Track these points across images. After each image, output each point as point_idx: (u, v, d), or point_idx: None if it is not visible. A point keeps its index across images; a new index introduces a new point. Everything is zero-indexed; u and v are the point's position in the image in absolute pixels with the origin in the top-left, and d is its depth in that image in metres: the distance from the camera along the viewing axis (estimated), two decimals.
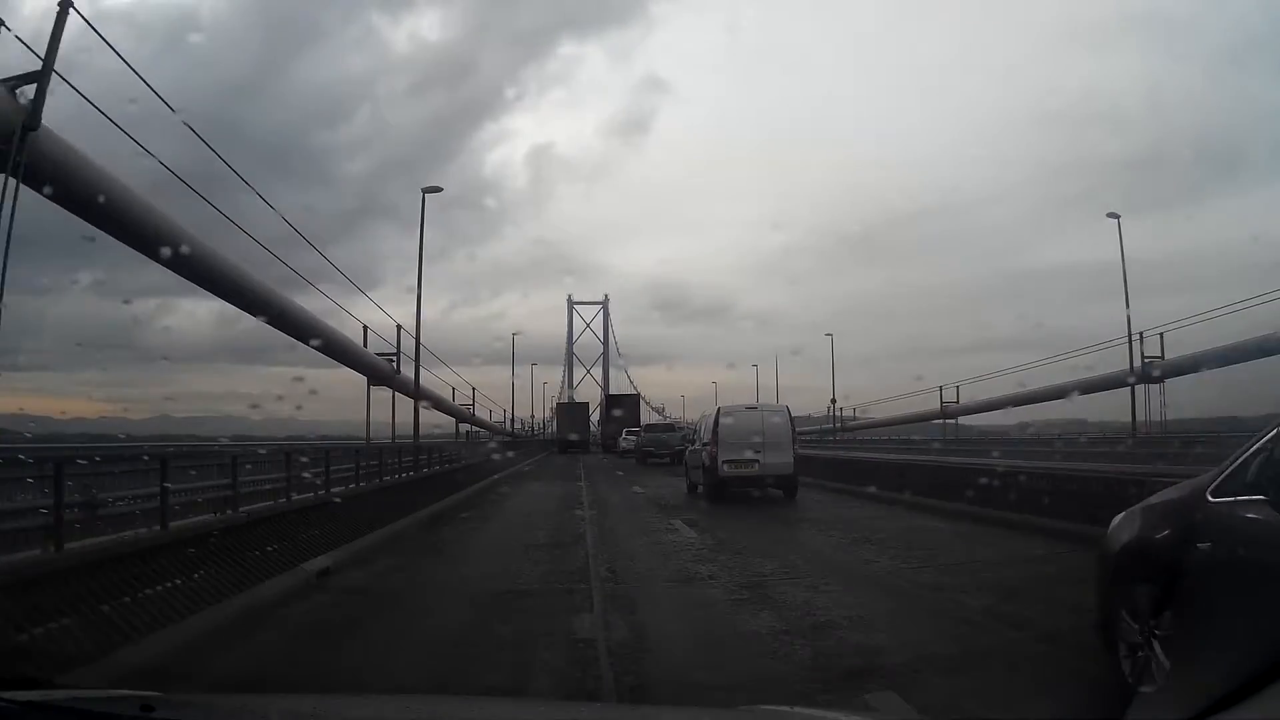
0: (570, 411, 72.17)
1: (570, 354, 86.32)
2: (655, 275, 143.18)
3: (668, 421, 51.03)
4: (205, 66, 79.90)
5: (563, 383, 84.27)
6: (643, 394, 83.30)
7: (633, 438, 48.88)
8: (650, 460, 38.40)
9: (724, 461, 18.42)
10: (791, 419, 19.37)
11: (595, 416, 76.39)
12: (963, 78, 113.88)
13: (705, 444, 19.25)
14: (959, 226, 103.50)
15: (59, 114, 11.75)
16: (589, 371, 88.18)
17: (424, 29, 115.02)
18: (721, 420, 18.73)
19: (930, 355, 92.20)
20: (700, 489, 20.65)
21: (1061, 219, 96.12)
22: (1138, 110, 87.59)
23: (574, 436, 65.98)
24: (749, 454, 18.43)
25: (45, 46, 11.05)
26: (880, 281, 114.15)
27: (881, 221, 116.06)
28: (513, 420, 69.85)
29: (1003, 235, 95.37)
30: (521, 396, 73.63)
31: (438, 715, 2.97)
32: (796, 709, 3.21)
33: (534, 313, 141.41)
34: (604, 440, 65.74)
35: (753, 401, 20.15)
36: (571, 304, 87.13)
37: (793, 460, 18.64)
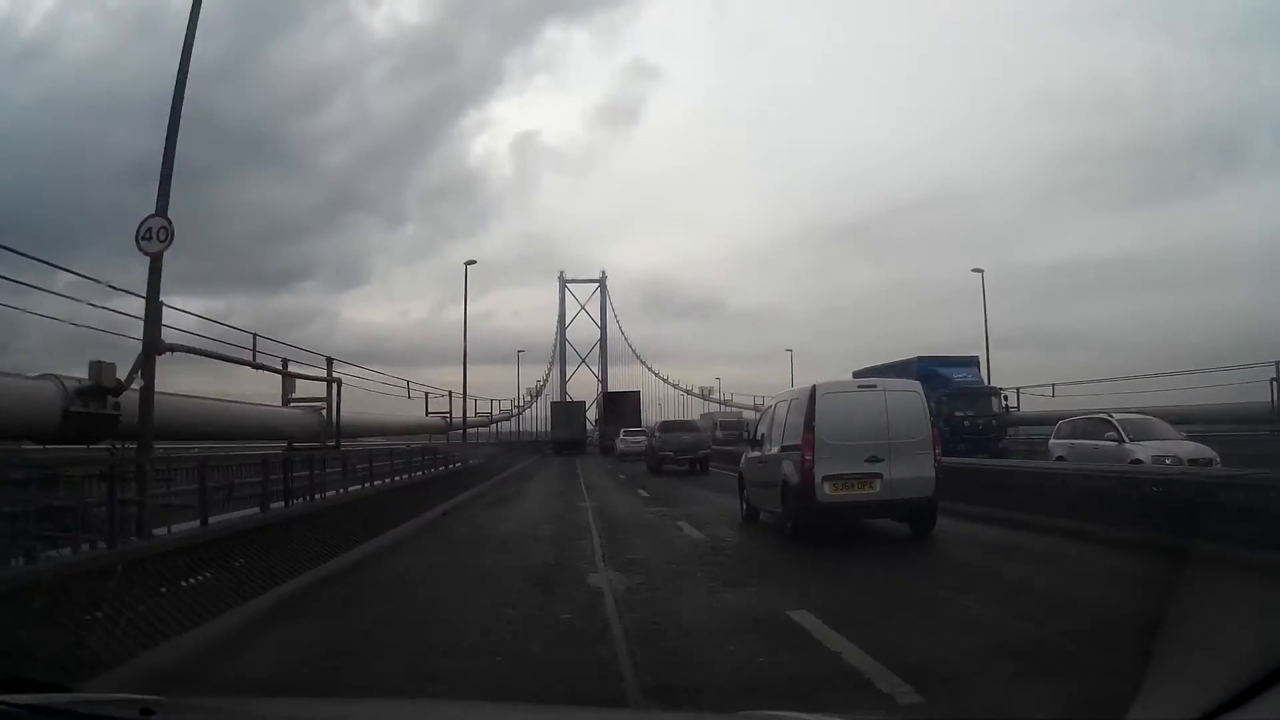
0: (565, 411, 64.76)
1: (563, 342, 77.56)
2: (647, 271, 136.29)
3: (686, 419, 43.22)
4: (177, 50, 73.06)
5: (548, 372, 75.34)
6: (673, 380, 75.86)
7: (632, 438, 43.28)
8: (666, 467, 30.72)
9: (825, 478, 10.84)
10: (927, 404, 11.77)
11: (592, 413, 69.34)
12: (960, 62, 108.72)
13: (788, 447, 11.65)
14: (955, 219, 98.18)
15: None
16: (584, 360, 79.56)
17: (403, 11, 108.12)
18: (821, 407, 11.13)
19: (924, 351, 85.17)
20: (764, 517, 13.18)
21: (1060, 211, 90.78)
22: (1138, 96, 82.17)
23: (570, 437, 59.00)
24: (866, 465, 10.89)
25: None
26: (875, 276, 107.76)
27: (876, 214, 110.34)
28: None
29: (1000, 228, 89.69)
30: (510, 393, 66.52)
31: (433, 718, 3.03)
32: (797, 714, 3.06)
33: (523, 310, 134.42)
34: (602, 442, 58.88)
35: (853, 377, 12.28)
36: (564, 282, 77.73)
37: (934, 475, 11.10)
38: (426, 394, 35.42)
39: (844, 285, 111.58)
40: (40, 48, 71.29)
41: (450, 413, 36.38)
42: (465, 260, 38.84)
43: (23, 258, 10.28)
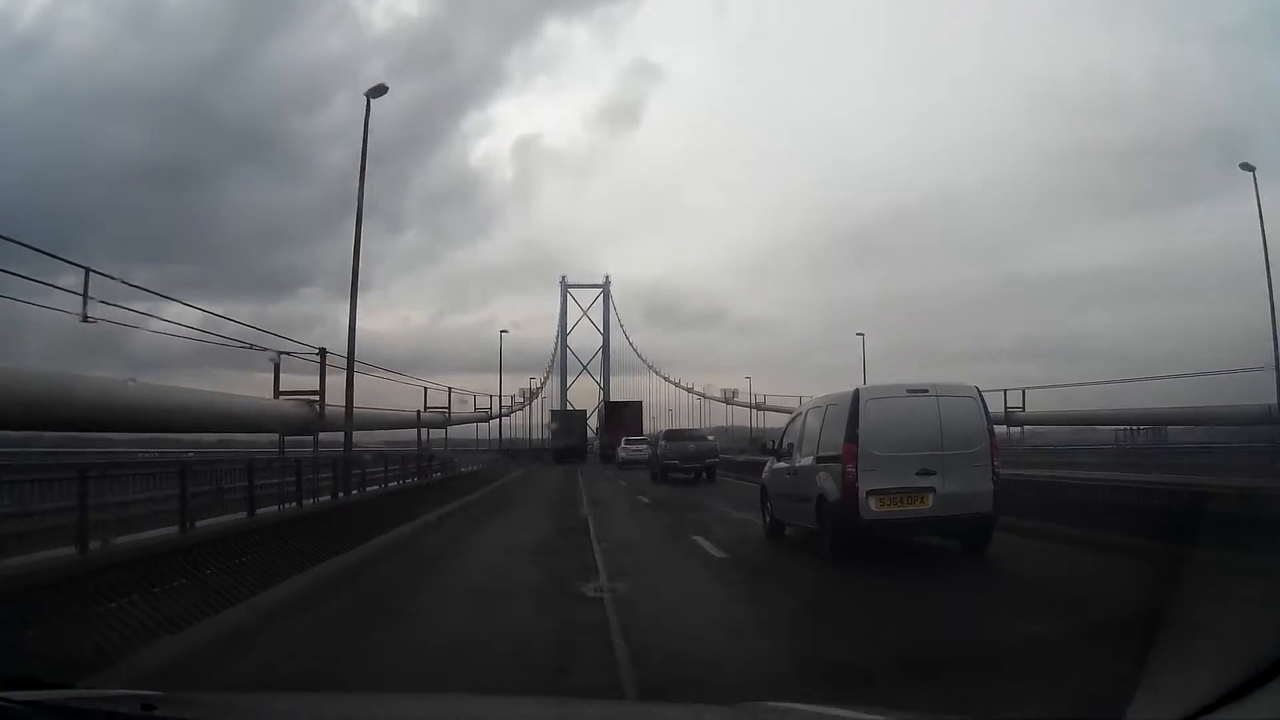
0: (566, 420, 63.53)
1: (563, 348, 75.94)
2: (649, 279, 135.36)
3: (693, 428, 42.00)
4: (174, 46, 72.14)
5: (546, 376, 73.29)
6: (690, 387, 73.59)
7: (633, 447, 43.17)
8: (671, 475, 29.63)
9: (870, 492, 9.48)
10: (986, 409, 10.39)
11: (592, 422, 67.93)
12: (961, 63, 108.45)
13: (824, 458, 10.30)
14: (954, 222, 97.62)
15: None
16: (585, 368, 77.81)
17: (401, 6, 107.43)
18: (866, 414, 9.77)
19: (935, 363, 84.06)
20: (790, 531, 11.86)
21: (1060, 215, 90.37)
22: (1140, 94, 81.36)
23: (571, 445, 57.78)
24: (916, 479, 9.55)
25: None
26: (877, 286, 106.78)
27: (880, 219, 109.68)
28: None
29: (999, 232, 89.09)
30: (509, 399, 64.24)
31: (438, 714, 2.93)
32: (797, 705, 2.92)
33: (523, 318, 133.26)
34: (603, 451, 57.81)
35: (905, 380, 10.86)
36: (565, 286, 75.85)
37: (992, 488, 9.76)
38: (277, 360, 19.24)
39: (848, 294, 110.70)
40: (35, 42, 70.15)
41: (322, 398, 20.25)
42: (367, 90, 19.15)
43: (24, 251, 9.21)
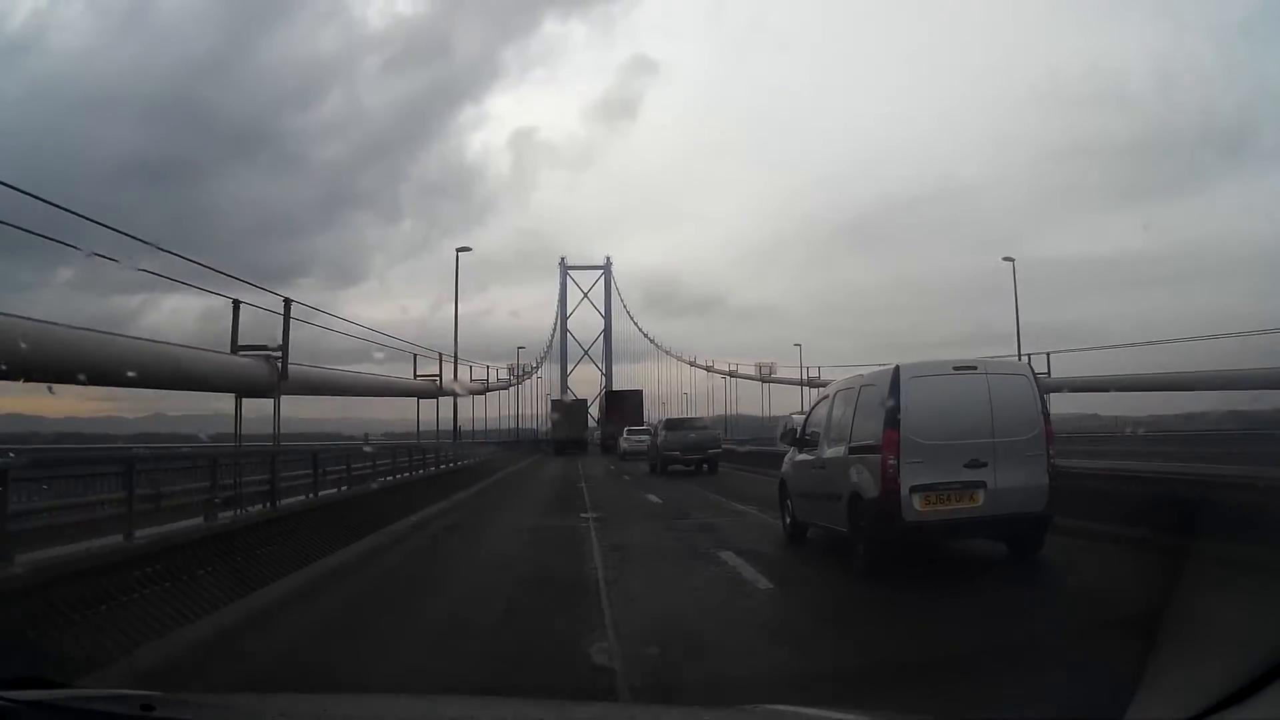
0: (567, 410, 62.41)
1: (564, 334, 74.09)
2: (648, 268, 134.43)
3: (694, 416, 40.72)
4: (168, 43, 70.54)
5: (541, 359, 70.92)
6: (709, 364, 69.27)
7: (635, 437, 42.96)
8: (671, 467, 28.64)
9: (914, 489, 8.26)
10: (1040, 391, 9.14)
11: (593, 410, 66.81)
12: (961, 55, 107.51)
13: (858, 448, 9.05)
14: (955, 214, 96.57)
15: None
16: (586, 353, 75.79)
17: (397, 2, 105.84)
18: (908, 395, 8.51)
19: (928, 349, 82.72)
20: (813, 533, 10.67)
21: (1060, 207, 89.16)
22: (1142, 89, 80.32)
23: (572, 436, 56.76)
24: (965, 472, 8.33)
25: None
26: (875, 272, 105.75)
27: (877, 209, 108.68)
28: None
29: (1001, 223, 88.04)
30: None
31: (436, 715, 2.95)
32: (797, 708, 2.96)
33: (522, 307, 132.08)
34: (604, 441, 57.03)
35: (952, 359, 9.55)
36: (565, 268, 72.96)
37: (1048, 483, 8.54)
38: None
39: (845, 281, 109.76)
40: (28, 41, 68.61)
41: None
42: None
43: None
